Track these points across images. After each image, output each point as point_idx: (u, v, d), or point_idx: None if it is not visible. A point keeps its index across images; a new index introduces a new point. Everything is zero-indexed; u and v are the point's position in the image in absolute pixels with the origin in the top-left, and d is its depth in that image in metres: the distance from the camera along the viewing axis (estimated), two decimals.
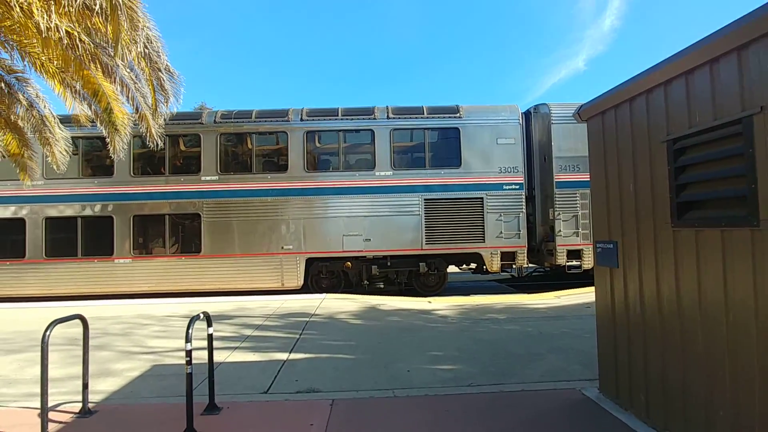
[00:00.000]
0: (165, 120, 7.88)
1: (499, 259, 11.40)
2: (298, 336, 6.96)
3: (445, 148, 11.82)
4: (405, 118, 11.61)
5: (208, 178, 11.36)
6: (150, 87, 6.59)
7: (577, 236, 11.45)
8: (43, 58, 5.70)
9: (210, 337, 4.42)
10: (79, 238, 11.30)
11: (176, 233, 11.52)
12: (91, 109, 6.80)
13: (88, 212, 11.30)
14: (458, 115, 11.60)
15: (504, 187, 11.47)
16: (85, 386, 4.36)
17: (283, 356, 5.98)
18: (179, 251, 11.40)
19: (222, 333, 7.36)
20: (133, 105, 6.73)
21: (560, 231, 11.43)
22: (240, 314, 8.84)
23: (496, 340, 6.44)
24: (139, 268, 11.24)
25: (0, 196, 11.29)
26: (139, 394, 4.97)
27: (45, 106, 7.50)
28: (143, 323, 8.32)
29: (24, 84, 7.01)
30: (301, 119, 11.52)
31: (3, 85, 6.50)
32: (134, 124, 7.51)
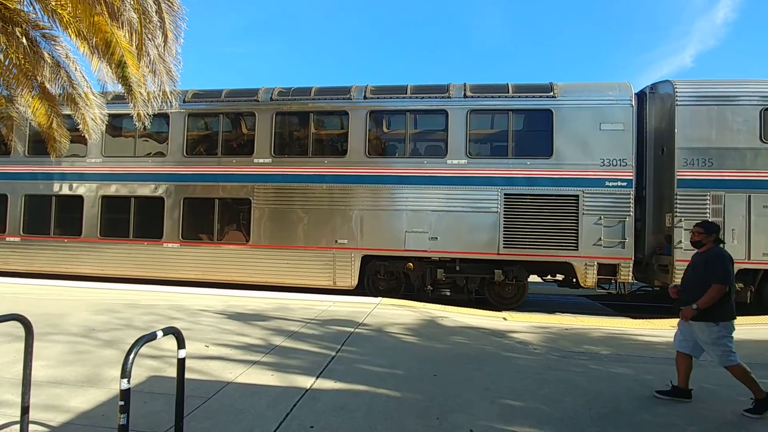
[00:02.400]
0: (176, 83, 6.78)
1: (595, 271, 9.18)
2: (334, 353, 5.52)
3: (534, 133, 9.79)
4: (485, 97, 9.76)
5: (260, 160, 10.34)
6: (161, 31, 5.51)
7: None
8: (53, 2, 4.84)
9: (181, 365, 3.05)
10: (131, 219, 10.83)
11: (225, 219, 10.65)
12: (111, 69, 5.88)
13: (139, 192, 10.79)
14: (552, 94, 9.52)
15: (607, 183, 9.22)
16: (25, 411, 3.19)
17: (308, 382, 4.56)
18: (227, 239, 10.51)
19: (248, 339, 6.13)
20: (145, 55, 5.66)
21: (681, 242, 8.95)
22: (277, 315, 7.62)
23: (599, 390, 4.53)
24: (187, 254, 10.51)
25: (61, 172, 11.12)
26: (111, 421, 3.76)
27: (76, 69, 6.79)
28: (173, 317, 7.38)
29: (51, 42, 6.31)
30: (365, 97, 10.11)
31: (26, 41, 5.81)
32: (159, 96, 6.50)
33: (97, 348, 5.67)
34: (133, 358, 2.58)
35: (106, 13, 4.83)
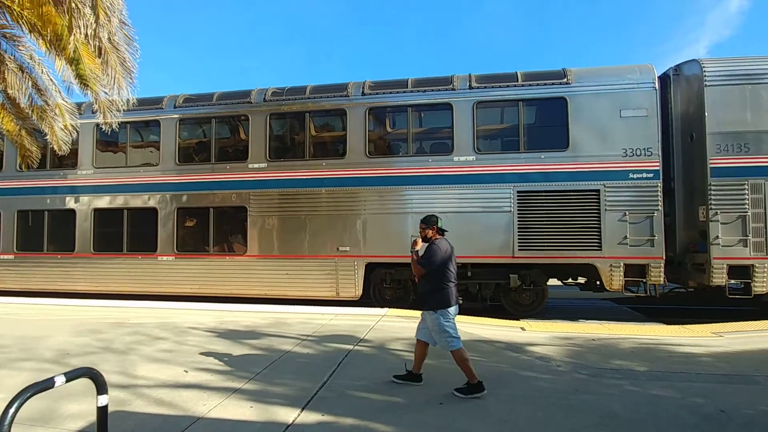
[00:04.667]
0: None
1: (621, 273, 8.31)
2: (327, 378, 4.81)
3: (547, 123, 9.01)
4: (493, 87, 9.01)
5: (256, 165, 9.75)
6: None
7: (746, 246, 7.97)
8: None
9: (102, 415, 2.37)
10: (125, 233, 10.33)
11: (221, 229, 10.07)
12: (71, 67, 5.32)
13: (132, 204, 10.28)
14: (565, 80, 8.73)
15: (631, 175, 8.37)
16: None
17: (291, 415, 3.87)
18: (224, 250, 9.93)
19: (233, 361, 5.48)
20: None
21: (718, 238, 8.05)
22: (272, 332, 6.96)
23: (640, 420, 3.73)
24: (182, 268, 9.95)
25: (53, 186, 10.70)
26: None
27: (42, 71, 6.27)
28: (158, 336, 6.77)
29: (13, 43, 5.78)
30: (363, 93, 9.45)
31: None
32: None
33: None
34: (14, 414, 1.92)
35: (51, 2, 4.29)
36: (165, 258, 9.96)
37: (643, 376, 4.84)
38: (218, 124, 10.25)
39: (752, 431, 3.58)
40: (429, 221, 4.62)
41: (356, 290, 9.23)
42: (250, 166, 9.78)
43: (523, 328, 7.43)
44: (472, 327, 7.29)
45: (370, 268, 9.31)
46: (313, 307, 8.93)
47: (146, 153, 10.68)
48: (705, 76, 8.25)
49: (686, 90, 8.80)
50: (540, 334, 6.98)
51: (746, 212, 7.98)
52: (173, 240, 9.99)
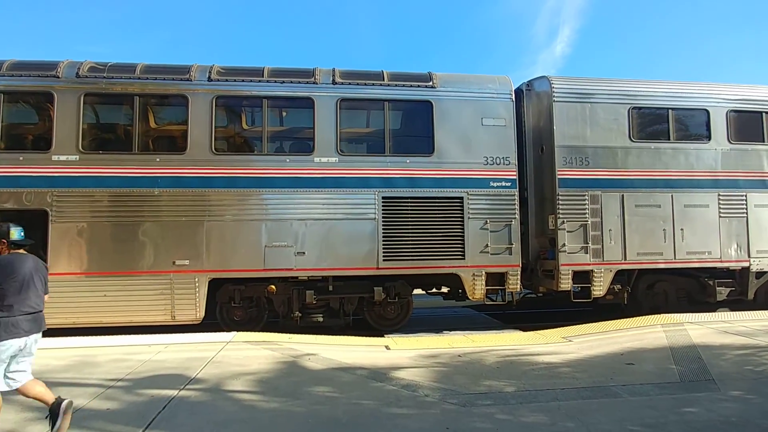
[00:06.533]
0: None
1: (483, 282, 8.27)
2: None
3: (413, 127, 8.68)
4: (358, 85, 8.36)
5: (62, 158, 7.60)
6: None
7: (587, 252, 8.53)
8: None
9: None
10: None
11: None
12: None
13: None
14: (431, 84, 8.48)
15: (491, 183, 8.41)
16: None
17: None
18: None
19: None
20: None
21: (564, 246, 8.48)
22: (66, 378, 5.22)
23: None
24: None
25: None
26: None
27: None
28: None
29: None
30: (209, 79, 8.02)
31: None
32: None
33: None
34: None
35: None
36: None
37: (513, 399, 4.46)
38: (7, 101, 7.80)
39: None
40: None
41: (197, 312, 7.70)
42: (55, 158, 7.60)
43: (387, 347, 6.82)
44: (332, 351, 6.42)
45: (216, 285, 7.88)
46: (138, 336, 7.17)
47: None
48: (554, 92, 8.71)
49: (537, 104, 9.24)
50: (405, 353, 6.42)
51: (587, 222, 8.55)
52: None
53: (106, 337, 7.13)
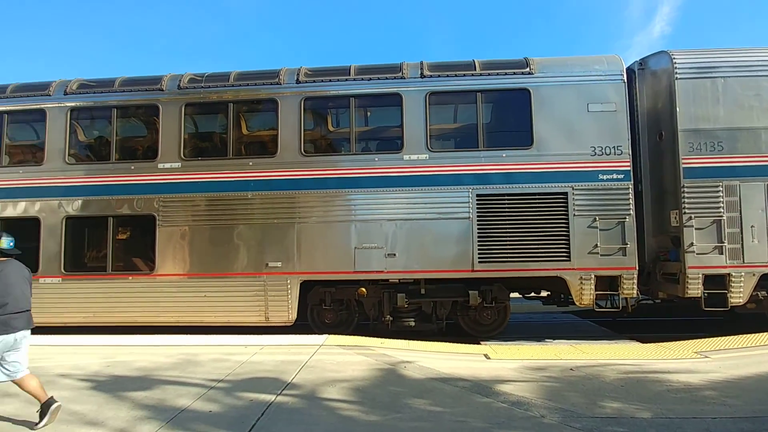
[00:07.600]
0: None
1: (592, 286, 7.37)
2: None
3: (509, 118, 8.02)
4: (448, 77, 7.89)
5: (167, 165, 8.05)
6: None
7: (721, 253, 7.26)
8: None
9: None
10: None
11: (122, 243, 8.26)
12: None
13: (8, 213, 8.24)
14: (528, 70, 7.76)
15: (600, 176, 7.49)
16: None
17: None
18: (125, 268, 8.09)
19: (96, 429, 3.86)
20: None
21: (692, 245, 7.29)
22: (172, 376, 5.35)
23: None
24: (72, 291, 8.02)
25: None
26: None
27: None
28: (7, 393, 4.95)
29: None
30: (297, 81, 8.04)
31: None
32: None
33: None
34: None
35: None
36: (49, 280, 7.99)
37: (651, 428, 3.72)
38: (120, 115, 8.44)
39: None
40: None
41: (290, 314, 7.72)
42: (161, 166, 8.06)
43: (487, 356, 6.26)
44: (429, 359, 6.01)
45: (307, 287, 7.85)
46: (235, 336, 7.33)
47: (27, 149, 8.67)
48: (676, 68, 7.55)
49: (653, 85, 8.08)
50: (508, 364, 5.83)
51: (722, 216, 7.28)
52: (60, 257, 8.04)
53: (207, 336, 7.37)
